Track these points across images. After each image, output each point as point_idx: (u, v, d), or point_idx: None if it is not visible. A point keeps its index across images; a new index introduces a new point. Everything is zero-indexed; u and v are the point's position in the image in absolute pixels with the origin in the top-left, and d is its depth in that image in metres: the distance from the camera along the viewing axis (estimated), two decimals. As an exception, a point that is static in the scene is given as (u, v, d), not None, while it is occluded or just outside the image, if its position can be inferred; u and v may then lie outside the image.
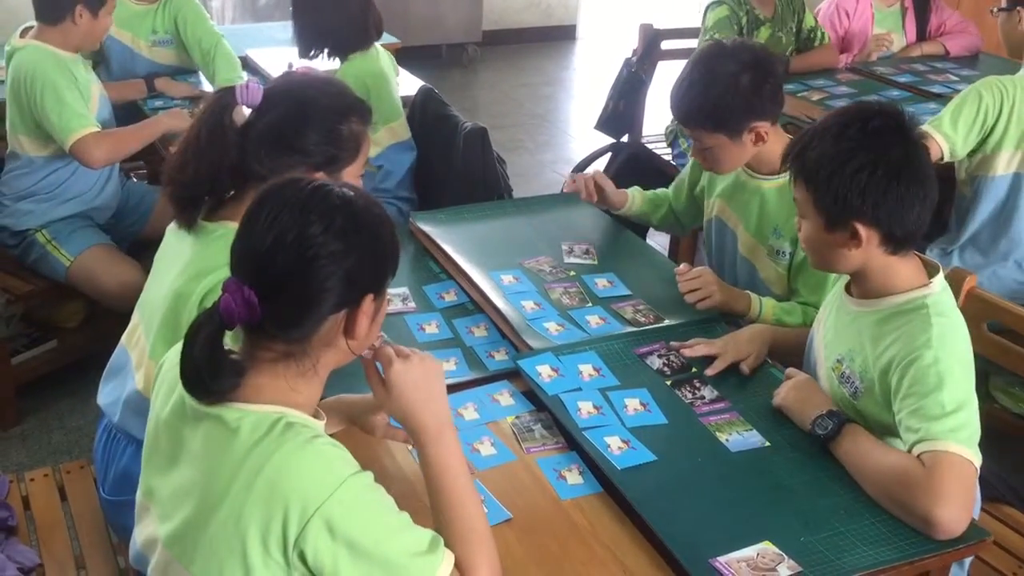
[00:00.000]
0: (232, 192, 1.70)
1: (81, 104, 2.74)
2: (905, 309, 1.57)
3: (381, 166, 2.95)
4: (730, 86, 1.98)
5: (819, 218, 1.58)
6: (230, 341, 1.23)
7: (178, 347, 1.33)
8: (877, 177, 1.51)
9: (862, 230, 1.54)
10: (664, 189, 2.48)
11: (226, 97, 1.65)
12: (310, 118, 1.67)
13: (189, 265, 1.65)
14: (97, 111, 2.83)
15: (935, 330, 1.51)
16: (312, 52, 2.93)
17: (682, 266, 2.07)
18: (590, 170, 2.82)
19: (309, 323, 1.20)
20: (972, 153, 2.70)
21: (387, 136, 2.96)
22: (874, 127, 1.54)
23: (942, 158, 2.64)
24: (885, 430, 1.58)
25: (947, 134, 2.62)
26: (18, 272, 2.94)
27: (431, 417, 1.31)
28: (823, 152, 1.55)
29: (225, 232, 1.64)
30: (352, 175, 1.71)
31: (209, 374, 1.18)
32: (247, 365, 1.21)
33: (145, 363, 1.73)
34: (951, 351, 1.51)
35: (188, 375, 1.19)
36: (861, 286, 1.64)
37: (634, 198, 2.43)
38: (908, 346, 1.52)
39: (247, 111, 1.70)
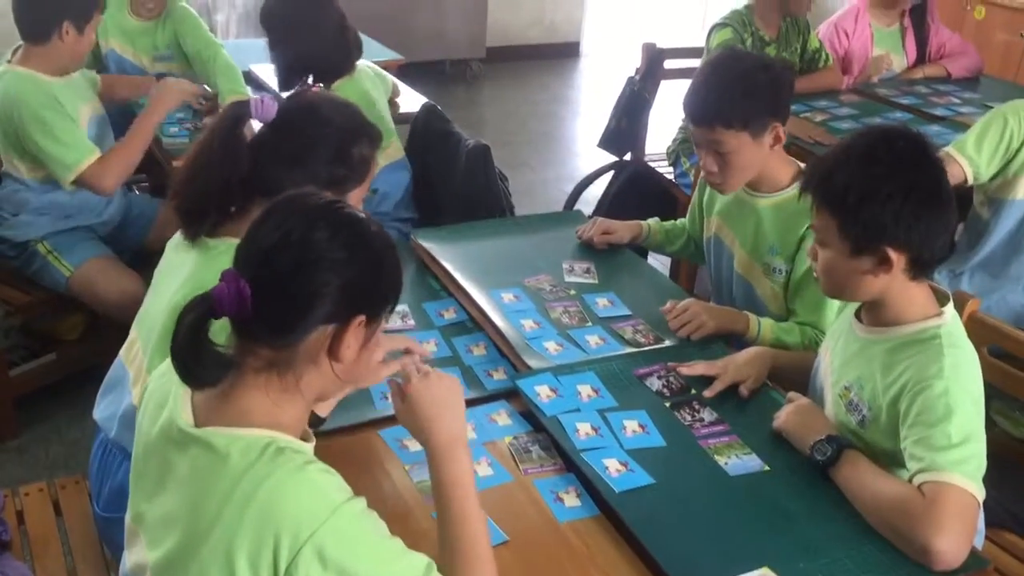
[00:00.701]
0: (235, 208, 1.70)
1: (73, 132, 2.69)
2: (918, 339, 1.56)
3: (377, 189, 2.94)
4: (754, 82, 1.98)
5: (844, 244, 1.55)
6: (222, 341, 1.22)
7: (162, 367, 1.33)
8: (912, 202, 1.50)
9: (893, 255, 1.52)
10: (683, 219, 2.47)
11: (240, 110, 1.65)
12: (323, 138, 1.67)
13: (188, 280, 1.65)
14: (87, 133, 2.77)
15: (947, 360, 1.50)
16: (297, 83, 2.85)
17: (667, 304, 2.04)
18: (589, 193, 2.81)
19: (297, 329, 1.19)
20: (993, 176, 2.70)
21: (380, 158, 2.95)
22: (903, 150, 1.53)
23: (965, 181, 2.64)
24: (892, 460, 1.56)
25: (971, 157, 2.63)
26: (17, 284, 2.93)
27: (445, 432, 1.33)
28: (852, 177, 1.53)
29: (227, 248, 1.63)
30: (357, 198, 1.72)
31: (190, 359, 1.17)
32: (235, 366, 1.20)
33: (143, 378, 1.72)
34: (962, 383, 1.50)
35: (174, 360, 1.18)
36: (874, 314, 1.63)
37: (650, 228, 2.42)
38: (919, 374, 1.51)
39: (257, 126, 1.70)
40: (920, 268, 1.55)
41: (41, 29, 2.69)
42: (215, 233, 1.68)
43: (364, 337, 1.24)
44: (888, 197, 1.50)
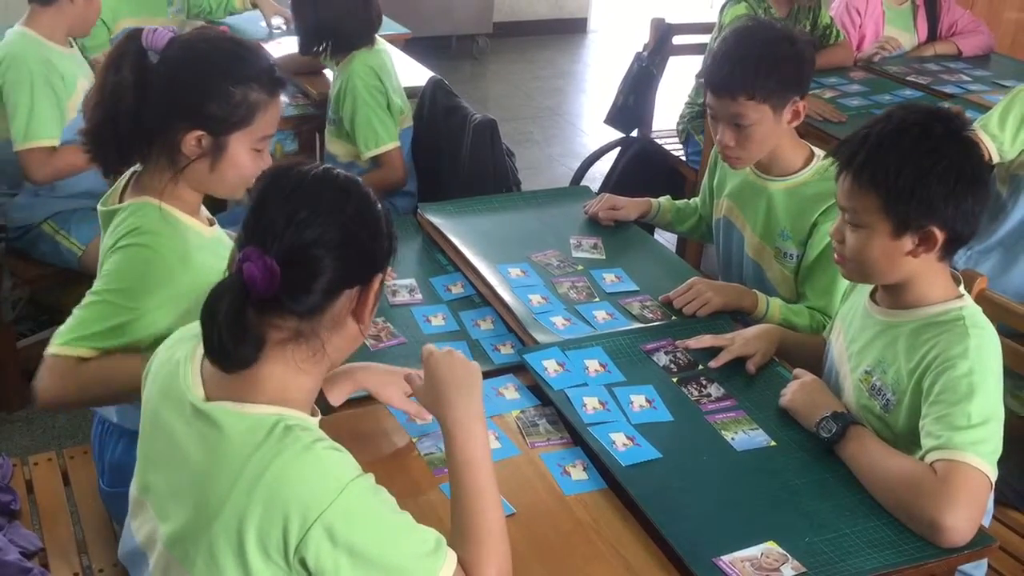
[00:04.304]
0: (132, 152, 1.65)
1: (52, 109, 2.64)
2: (940, 320, 1.55)
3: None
4: (779, 55, 1.96)
5: (887, 225, 1.53)
6: None
7: (166, 344, 1.32)
8: (962, 179, 1.50)
9: (938, 233, 1.51)
10: (695, 199, 2.45)
11: (131, 40, 1.59)
12: (205, 74, 1.59)
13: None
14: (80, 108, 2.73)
15: (972, 341, 1.50)
16: (315, 48, 2.89)
17: (671, 293, 2.02)
18: (596, 170, 2.79)
19: (324, 296, 1.19)
20: (1018, 154, 2.67)
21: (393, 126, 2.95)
22: (950, 129, 1.52)
23: (990, 159, 2.61)
24: (918, 442, 1.54)
25: (995, 135, 2.61)
26: (25, 256, 2.92)
27: (462, 409, 1.34)
28: (905, 157, 1.51)
29: (122, 207, 1.64)
30: (241, 143, 1.62)
31: (233, 341, 1.15)
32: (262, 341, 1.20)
33: None
34: (986, 364, 1.50)
35: (211, 343, 1.16)
36: (894, 296, 1.62)
37: (661, 206, 2.41)
38: (944, 354, 1.51)
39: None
40: (954, 246, 1.55)
41: None
42: (130, 195, 1.66)
43: (377, 293, 1.26)
44: (942, 176, 1.49)
